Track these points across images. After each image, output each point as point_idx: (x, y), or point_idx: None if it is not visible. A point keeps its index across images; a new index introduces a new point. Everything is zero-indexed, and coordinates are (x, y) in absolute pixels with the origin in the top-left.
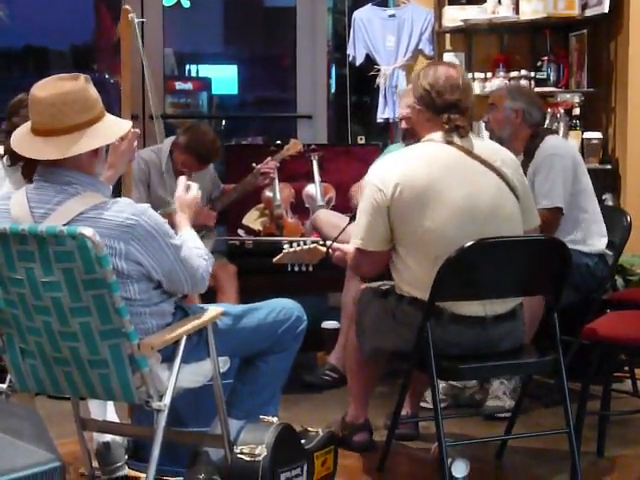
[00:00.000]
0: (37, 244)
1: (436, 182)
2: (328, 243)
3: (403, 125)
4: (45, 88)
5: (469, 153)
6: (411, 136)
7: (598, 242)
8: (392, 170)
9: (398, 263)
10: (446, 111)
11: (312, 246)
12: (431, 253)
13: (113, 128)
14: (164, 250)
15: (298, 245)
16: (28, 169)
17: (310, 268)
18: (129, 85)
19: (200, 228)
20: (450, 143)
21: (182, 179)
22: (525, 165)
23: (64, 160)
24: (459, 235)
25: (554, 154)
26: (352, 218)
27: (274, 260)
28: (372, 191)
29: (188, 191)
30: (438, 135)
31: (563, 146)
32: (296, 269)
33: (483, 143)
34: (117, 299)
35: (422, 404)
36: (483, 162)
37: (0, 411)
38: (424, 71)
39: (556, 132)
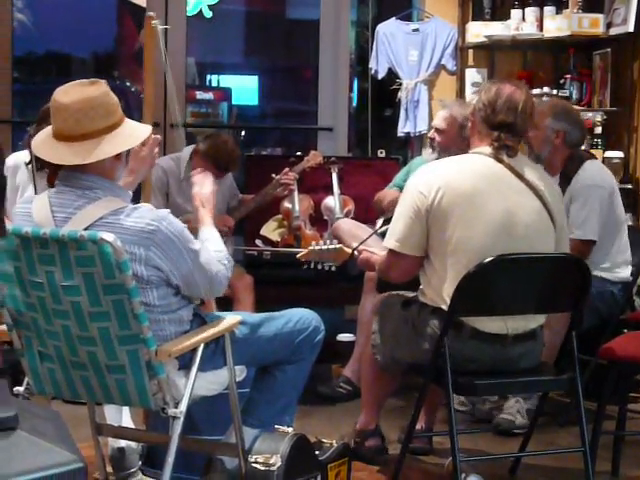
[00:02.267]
0: (58, 248)
1: (478, 193)
2: (354, 245)
3: (431, 134)
4: (69, 94)
5: (515, 172)
6: (441, 148)
7: (624, 271)
8: (435, 176)
9: (427, 268)
10: (498, 130)
11: (338, 246)
12: (461, 263)
13: (134, 133)
14: (183, 256)
15: (325, 244)
16: (53, 176)
17: (333, 268)
18: (152, 92)
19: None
20: (498, 159)
21: (197, 177)
22: (561, 188)
23: (86, 165)
24: (491, 249)
25: (593, 185)
26: (383, 223)
27: (298, 255)
28: (414, 194)
29: (204, 187)
30: (485, 149)
31: (602, 176)
32: (319, 267)
33: (531, 166)
34: (136, 305)
35: None
36: (527, 184)
37: (24, 412)
38: (489, 85)
39: (595, 156)
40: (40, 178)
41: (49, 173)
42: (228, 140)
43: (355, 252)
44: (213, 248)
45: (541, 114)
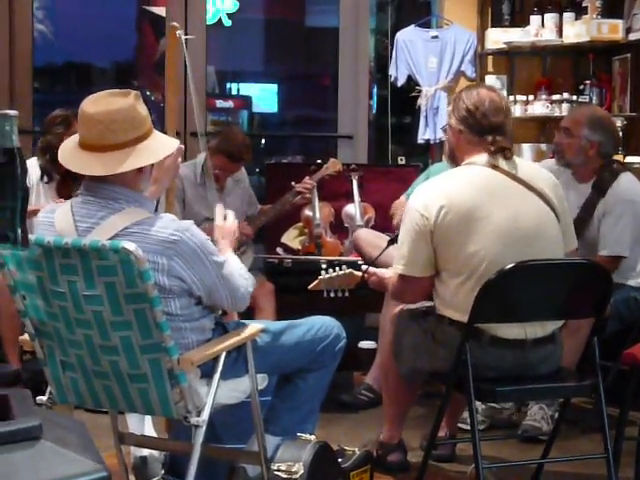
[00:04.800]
0: (80, 258)
1: (479, 205)
2: (364, 268)
3: None
4: (95, 104)
5: (511, 176)
6: None
7: None
8: (435, 194)
9: (440, 287)
10: (491, 133)
11: (348, 271)
12: (474, 276)
13: (160, 147)
14: (207, 267)
15: (334, 271)
16: (63, 186)
17: (346, 294)
18: (175, 102)
19: (239, 245)
20: (492, 166)
21: (219, 208)
22: (594, 200)
23: (110, 176)
24: (503, 258)
25: (630, 201)
26: (394, 240)
27: (310, 287)
28: (415, 217)
29: (226, 219)
30: (480, 158)
31: (637, 190)
32: (332, 295)
33: (525, 165)
34: (158, 314)
35: (460, 425)
36: (525, 184)
37: (48, 421)
38: (466, 93)
39: (627, 168)
40: (48, 190)
41: (59, 184)
42: (237, 131)
43: (365, 275)
44: (235, 265)
45: (577, 123)
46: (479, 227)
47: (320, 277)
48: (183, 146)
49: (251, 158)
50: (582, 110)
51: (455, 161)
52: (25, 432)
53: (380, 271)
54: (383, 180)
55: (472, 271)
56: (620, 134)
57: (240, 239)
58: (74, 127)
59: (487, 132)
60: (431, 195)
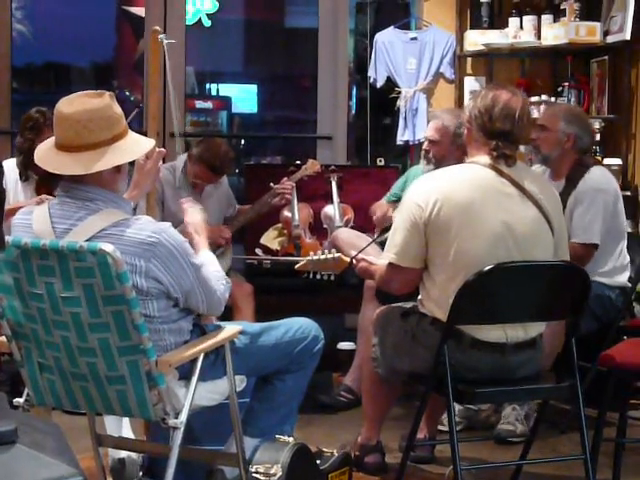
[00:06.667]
0: (57, 259)
1: (475, 204)
2: (353, 253)
3: (426, 146)
4: (71, 104)
5: (512, 181)
6: (436, 160)
7: (621, 276)
8: (432, 187)
9: (427, 281)
10: (496, 138)
11: (337, 255)
12: (460, 274)
13: (136, 146)
14: (184, 269)
15: (322, 253)
16: (42, 185)
17: (332, 277)
18: (156, 105)
19: (216, 247)
20: (494, 169)
21: (185, 205)
22: (566, 192)
23: (86, 176)
24: (490, 260)
25: (599, 189)
26: (381, 232)
27: (297, 266)
28: (411, 207)
29: (194, 216)
30: (483, 158)
31: (608, 181)
32: (317, 277)
33: (530, 173)
34: (136, 315)
35: (439, 427)
36: (524, 192)
37: (23, 425)
38: (485, 92)
39: (600, 162)
40: (24, 189)
41: (37, 184)
42: (221, 143)
43: (353, 261)
44: (212, 268)
45: (554, 117)
46: (472, 225)
47: (308, 258)
48: (164, 150)
49: (232, 171)
50: (557, 106)
51: (436, 162)
52: (0, 436)
53: (369, 258)
54: (362, 181)
55: (460, 269)
56: (598, 136)
57: (218, 242)
58: (46, 129)
59: (492, 137)
60: (428, 188)
